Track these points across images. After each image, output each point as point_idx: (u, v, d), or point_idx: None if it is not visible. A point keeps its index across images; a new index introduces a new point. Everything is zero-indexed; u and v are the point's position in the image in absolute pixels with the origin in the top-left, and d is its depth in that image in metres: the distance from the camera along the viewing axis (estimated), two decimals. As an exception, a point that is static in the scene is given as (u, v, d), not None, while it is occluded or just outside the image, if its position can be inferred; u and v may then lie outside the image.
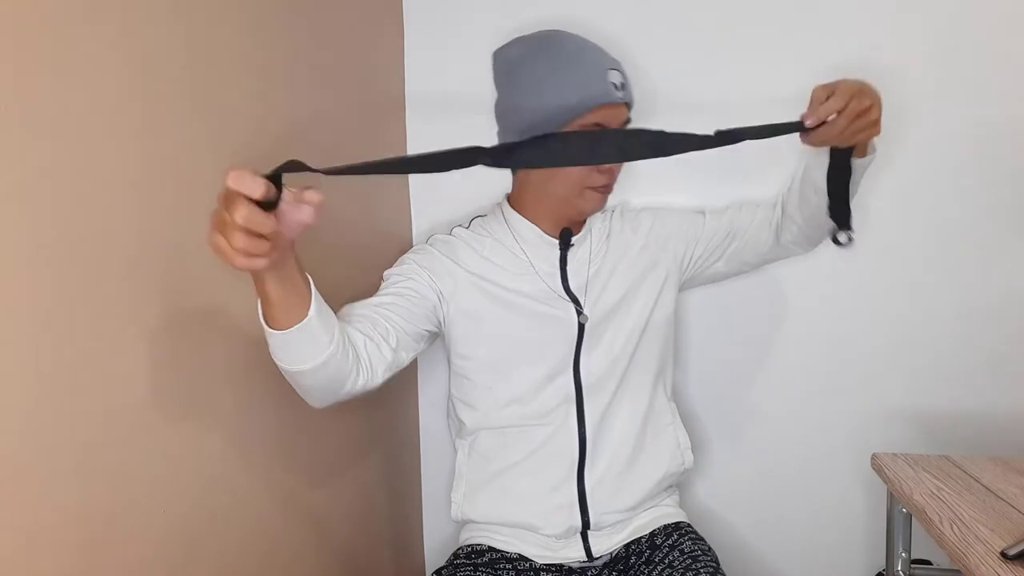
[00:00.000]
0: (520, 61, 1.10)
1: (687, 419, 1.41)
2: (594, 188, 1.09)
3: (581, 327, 1.12)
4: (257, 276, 0.73)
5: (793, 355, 1.40)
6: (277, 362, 0.84)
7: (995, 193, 1.32)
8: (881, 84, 1.32)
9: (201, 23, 0.79)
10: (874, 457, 1.12)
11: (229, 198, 0.62)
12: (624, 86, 1.07)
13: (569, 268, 1.15)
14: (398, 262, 1.15)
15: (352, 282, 1.20)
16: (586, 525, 1.10)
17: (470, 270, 1.13)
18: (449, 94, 1.43)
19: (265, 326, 0.79)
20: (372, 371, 0.97)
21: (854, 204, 1.02)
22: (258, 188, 0.61)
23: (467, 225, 1.21)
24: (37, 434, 0.57)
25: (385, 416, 1.26)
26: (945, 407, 1.37)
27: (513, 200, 1.19)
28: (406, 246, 1.44)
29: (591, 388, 1.12)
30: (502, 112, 1.15)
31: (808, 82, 1.30)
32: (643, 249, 1.20)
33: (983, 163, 1.32)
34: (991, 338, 1.34)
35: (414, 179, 1.46)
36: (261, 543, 0.91)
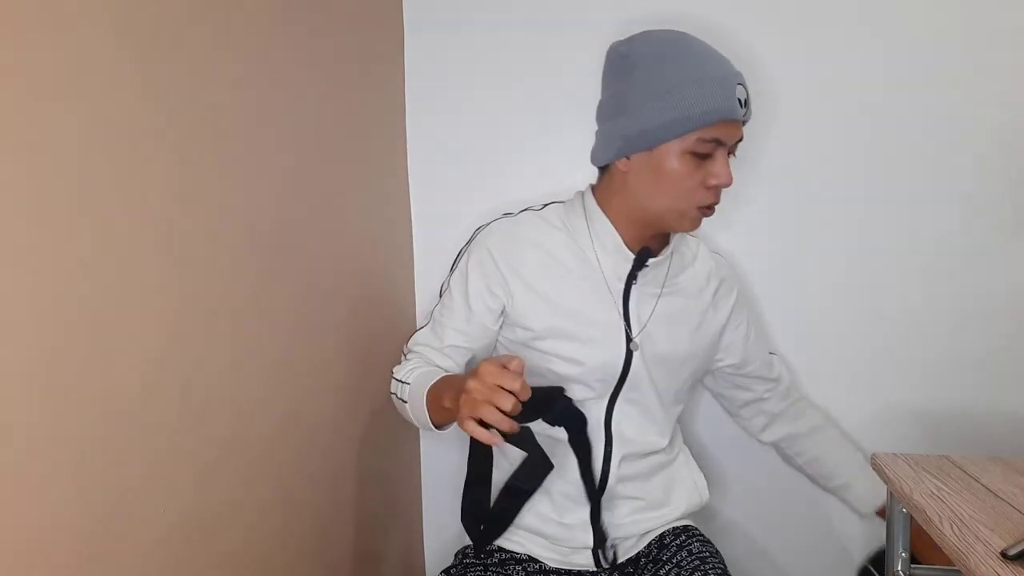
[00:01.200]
0: (645, 59, 1.00)
1: (689, 420, 1.42)
2: (702, 208, 1.02)
3: (629, 356, 1.06)
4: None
5: (793, 355, 1.40)
6: (420, 426, 1.03)
7: (995, 193, 1.32)
8: (882, 85, 1.33)
9: (198, 21, 0.79)
10: (874, 457, 1.12)
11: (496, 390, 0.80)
12: (747, 103, 0.99)
13: (636, 291, 1.07)
14: (462, 271, 1.09)
15: (352, 281, 1.20)
16: (598, 544, 1.09)
17: (528, 281, 1.06)
18: (449, 92, 1.43)
19: (433, 426, 1.00)
20: None
21: None
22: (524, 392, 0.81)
23: (540, 208, 1.12)
24: (36, 434, 0.57)
25: (385, 416, 1.25)
26: (945, 407, 1.37)
27: (599, 196, 1.08)
28: (406, 245, 1.45)
29: (620, 432, 1.09)
30: (613, 111, 1.03)
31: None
32: (704, 315, 1.14)
33: (983, 163, 1.32)
34: (991, 338, 1.34)
35: (414, 177, 1.46)
36: (260, 543, 0.91)
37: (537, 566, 1.11)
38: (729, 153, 1.02)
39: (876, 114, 1.34)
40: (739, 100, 0.97)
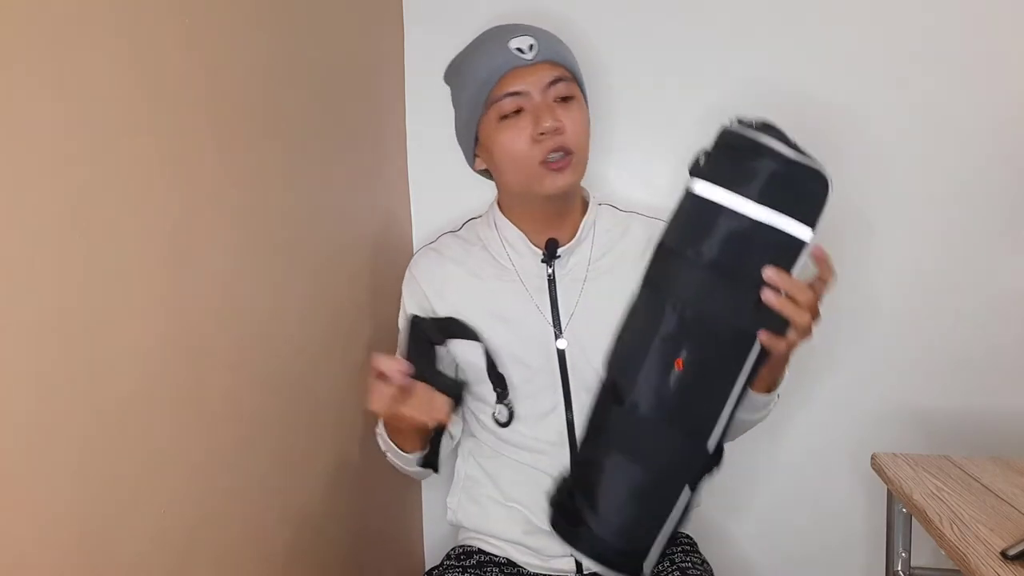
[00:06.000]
0: (452, 70, 1.10)
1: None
2: (547, 163, 0.98)
3: (561, 355, 1.05)
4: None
5: (794, 355, 1.40)
6: (408, 469, 1.10)
7: (995, 193, 1.32)
8: (880, 84, 1.33)
9: (199, 22, 0.79)
10: (874, 457, 1.12)
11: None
12: (535, 47, 0.99)
13: (560, 283, 1.06)
14: (403, 305, 1.13)
15: (352, 280, 1.20)
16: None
17: (452, 302, 1.08)
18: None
19: (409, 455, 1.06)
20: (452, 437, 1.16)
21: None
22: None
23: (459, 228, 1.17)
24: (35, 434, 0.57)
25: (385, 415, 1.26)
26: (945, 407, 1.37)
27: (499, 201, 1.13)
28: (406, 244, 1.45)
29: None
30: (456, 132, 1.12)
31: (799, 86, 1.29)
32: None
33: (983, 163, 1.32)
34: (991, 338, 1.34)
35: (414, 177, 1.46)
36: (260, 543, 0.91)
37: (515, 570, 1.10)
38: (564, 99, 1.01)
39: (875, 113, 1.34)
40: (517, 49, 0.99)
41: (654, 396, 0.83)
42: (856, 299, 1.38)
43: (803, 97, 1.35)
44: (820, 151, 1.34)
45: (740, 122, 0.84)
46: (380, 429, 1.09)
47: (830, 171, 0.87)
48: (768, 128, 0.84)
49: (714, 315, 0.81)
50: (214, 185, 0.81)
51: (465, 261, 1.11)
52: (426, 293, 1.10)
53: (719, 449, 0.89)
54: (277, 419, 0.95)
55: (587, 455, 0.89)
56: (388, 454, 1.10)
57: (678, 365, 0.81)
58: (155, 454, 0.71)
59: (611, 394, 0.87)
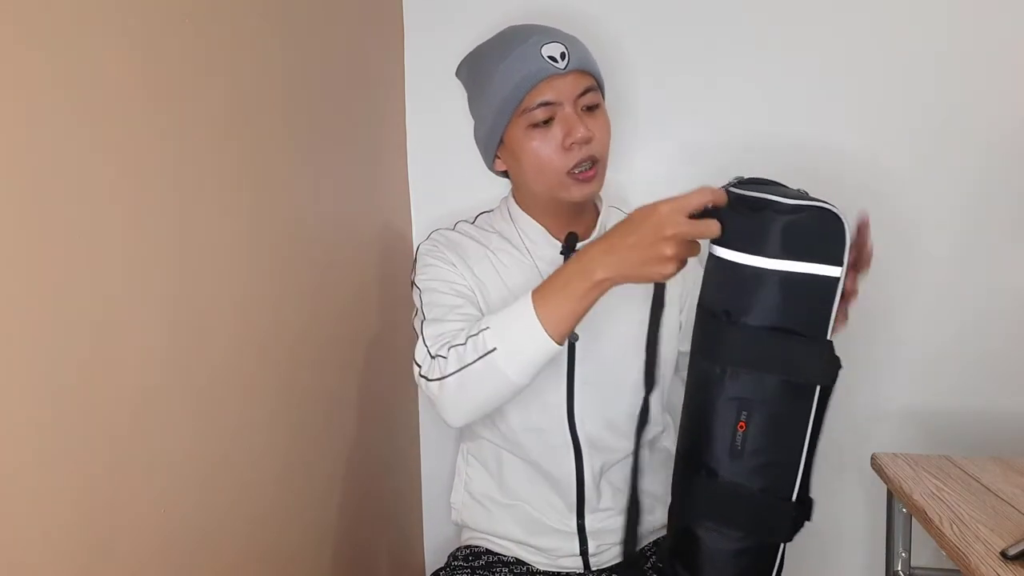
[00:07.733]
0: (471, 71, 1.07)
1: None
2: (573, 174, 0.99)
3: (572, 348, 1.05)
4: (602, 288, 0.87)
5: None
6: (517, 377, 0.89)
7: (996, 194, 1.32)
8: (885, 84, 1.33)
9: (200, 22, 0.79)
10: (874, 457, 1.12)
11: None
12: (567, 55, 0.98)
13: None
14: (423, 265, 1.06)
15: (352, 281, 1.20)
16: (584, 552, 1.09)
17: (476, 274, 1.07)
18: (449, 91, 1.43)
19: (551, 340, 0.88)
20: None
21: None
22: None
23: (472, 220, 1.16)
24: (36, 434, 0.57)
25: (385, 416, 1.26)
26: (945, 407, 1.37)
27: (516, 196, 1.12)
28: (406, 245, 1.45)
29: (585, 426, 1.06)
30: (474, 124, 1.08)
31: (814, 83, 1.30)
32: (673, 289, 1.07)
33: (984, 164, 1.32)
34: (991, 338, 1.34)
35: (414, 176, 1.46)
36: (262, 543, 0.91)
37: (524, 568, 1.10)
38: (590, 108, 1.00)
39: (878, 113, 1.34)
40: (549, 57, 0.97)
41: (728, 460, 0.85)
42: (857, 299, 1.38)
43: (807, 97, 1.35)
44: (825, 153, 1.35)
45: (739, 182, 0.86)
46: (483, 336, 0.91)
47: (837, 172, 0.86)
48: (767, 183, 0.87)
49: (763, 373, 0.83)
50: (217, 186, 0.81)
51: (486, 244, 1.10)
52: (453, 261, 1.07)
53: (806, 499, 0.91)
54: (278, 421, 0.95)
55: (680, 524, 0.91)
56: (492, 355, 0.90)
57: (741, 427, 0.83)
58: (158, 457, 0.71)
59: (688, 463, 0.89)
